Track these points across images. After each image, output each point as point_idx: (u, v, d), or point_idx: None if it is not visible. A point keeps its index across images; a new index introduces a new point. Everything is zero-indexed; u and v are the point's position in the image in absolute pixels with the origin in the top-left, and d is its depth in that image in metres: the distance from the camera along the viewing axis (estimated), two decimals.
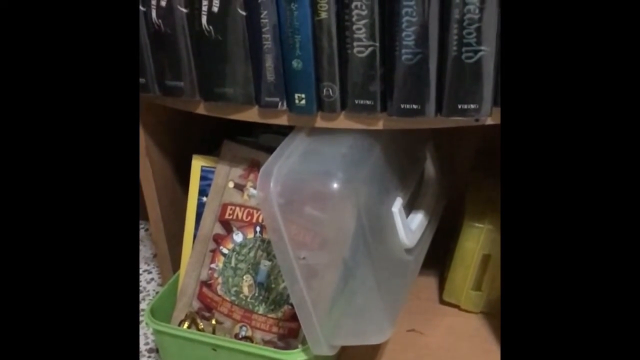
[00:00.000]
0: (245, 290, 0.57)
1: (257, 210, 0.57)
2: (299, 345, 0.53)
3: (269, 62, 0.46)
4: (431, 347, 0.61)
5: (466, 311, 0.65)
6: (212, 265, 0.58)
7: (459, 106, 0.43)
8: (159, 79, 0.50)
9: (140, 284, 0.78)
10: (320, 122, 0.47)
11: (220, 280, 0.58)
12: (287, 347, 0.55)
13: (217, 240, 0.58)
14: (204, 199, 0.59)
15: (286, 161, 0.46)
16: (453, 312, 0.66)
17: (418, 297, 0.67)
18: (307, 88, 0.45)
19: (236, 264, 0.57)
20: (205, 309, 0.59)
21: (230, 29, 0.45)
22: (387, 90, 0.44)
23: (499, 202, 0.63)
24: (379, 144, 0.49)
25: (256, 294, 0.57)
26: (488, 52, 0.41)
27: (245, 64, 0.46)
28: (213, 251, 0.58)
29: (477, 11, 0.40)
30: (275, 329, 0.56)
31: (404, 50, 0.42)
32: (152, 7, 0.46)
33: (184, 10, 0.46)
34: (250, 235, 0.57)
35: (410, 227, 0.54)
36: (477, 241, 0.61)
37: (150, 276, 0.79)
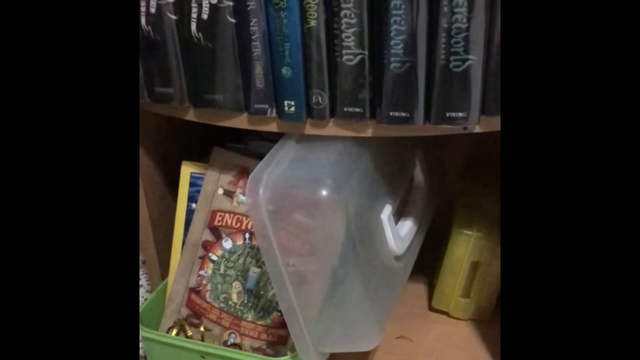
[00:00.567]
0: (234, 297, 0.57)
1: (247, 216, 0.57)
2: (288, 353, 0.53)
3: (258, 69, 0.46)
4: (420, 353, 0.61)
5: (455, 318, 0.65)
6: (201, 272, 0.58)
7: (447, 114, 0.44)
8: (148, 86, 0.50)
9: None
10: (309, 129, 0.48)
11: (209, 287, 0.58)
12: (276, 354, 0.55)
13: (206, 246, 0.58)
14: (193, 205, 0.59)
15: (275, 168, 0.46)
16: (442, 319, 0.66)
17: (407, 303, 0.67)
18: (296, 95, 0.46)
19: (225, 271, 0.57)
20: (194, 315, 0.58)
21: (220, 36, 0.45)
22: (376, 98, 0.45)
23: (488, 210, 0.63)
24: (368, 152, 0.50)
25: (245, 301, 0.57)
26: (476, 61, 0.42)
27: (234, 71, 0.46)
28: (202, 258, 0.58)
29: (464, 20, 0.40)
30: (264, 336, 0.56)
31: (392, 59, 0.42)
32: (142, 13, 0.46)
33: (174, 17, 0.46)
34: (240, 242, 0.57)
35: (399, 234, 0.54)
36: (466, 248, 0.61)
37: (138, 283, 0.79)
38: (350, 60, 0.44)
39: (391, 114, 0.44)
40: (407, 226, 0.57)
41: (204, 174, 0.58)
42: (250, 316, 0.57)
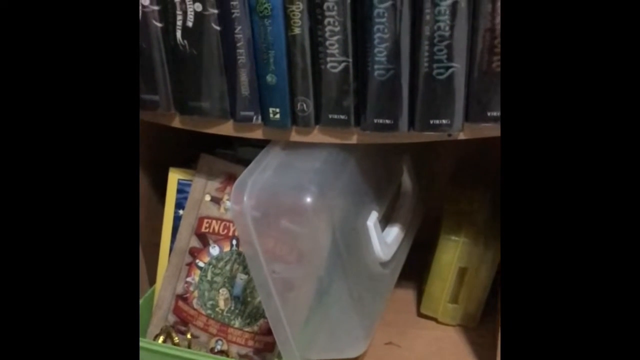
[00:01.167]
0: (221, 303, 0.57)
1: (234, 223, 0.57)
2: (275, 359, 0.53)
3: (243, 77, 0.46)
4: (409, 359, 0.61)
5: (444, 324, 0.65)
6: (188, 279, 0.58)
7: (431, 121, 0.44)
8: None
9: None
10: (295, 136, 0.48)
11: (196, 293, 0.58)
12: None
13: (194, 253, 0.58)
14: (181, 212, 0.59)
15: (260, 175, 0.47)
16: (431, 325, 0.66)
17: (396, 309, 0.67)
18: (281, 102, 0.46)
19: (212, 278, 0.57)
20: (181, 322, 0.58)
21: (205, 44, 0.45)
22: (360, 105, 0.45)
23: (476, 216, 0.63)
24: (353, 158, 0.50)
25: (232, 308, 0.57)
26: (459, 68, 0.42)
27: (220, 78, 0.46)
28: (189, 264, 0.58)
29: (447, 28, 0.40)
30: (251, 343, 0.56)
31: (376, 66, 0.43)
32: None
33: (159, 24, 0.46)
34: (227, 249, 0.57)
35: (385, 240, 0.54)
36: (454, 254, 0.61)
37: None
38: (335, 67, 0.44)
39: (375, 121, 0.45)
40: (394, 232, 0.57)
41: (191, 181, 0.58)
42: (237, 323, 0.57)
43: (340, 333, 0.49)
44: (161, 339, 0.58)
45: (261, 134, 0.49)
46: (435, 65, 0.42)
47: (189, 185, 0.58)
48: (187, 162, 0.61)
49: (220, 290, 0.57)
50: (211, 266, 0.57)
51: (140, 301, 0.60)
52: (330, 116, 0.46)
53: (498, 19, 0.40)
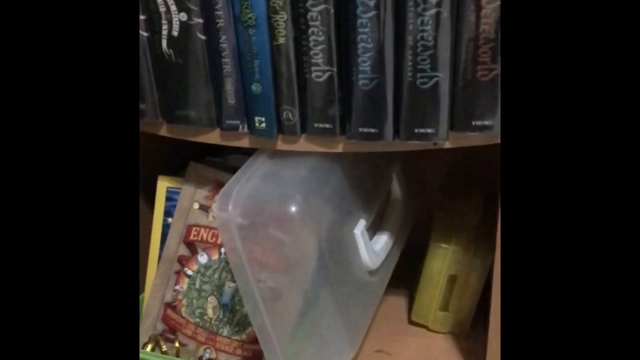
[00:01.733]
0: (210, 312, 0.57)
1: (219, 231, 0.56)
2: None
3: (229, 86, 0.46)
4: None
5: (434, 331, 0.65)
6: (177, 287, 0.58)
7: (416, 130, 0.44)
8: None
9: None
10: (281, 145, 0.48)
11: (184, 302, 0.58)
12: None
13: (182, 261, 0.58)
14: (170, 220, 0.59)
15: (246, 183, 0.47)
16: (421, 332, 0.65)
17: (386, 317, 0.67)
18: (266, 111, 0.46)
19: (201, 286, 0.57)
20: (170, 331, 0.58)
21: (190, 53, 0.45)
22: (345, 114, 0.45)
23: (466, 223, 0.63)
24: (340, 167, 0.50)
25: (220, 316, 0.57)
26: (443, 78, 0.42)
27: (205, 87, 0.46)
28: (177, 272, 0.58)
29: (430, 38, 0.41)
30: (239, 351, 0.56)
31: (360, 76, 0.43)
32: None
33: (145, 33, 0.46)
34: (215, 257, 0.57)
35: (374, 248, 0.54)
36: (443, 262, 0.61)
37: None
38: (319, 76, 0.44)
39: (361, 130, 0.45)
40: (383, 240, 0.57)
41: (180, 189, 0.58)
42: (225, 331, 0.57)
43: (326, 341, 0.48)
44: (149, 347, 0.58)
45: (247, 143, 0.49)
46: (419, 75, 0.42)
47: (178, 193, 0.58)
48: (178, 170, 0.61)
49: (209, 299, 0.57)
50: (199, 274, 0.57)
51: None
52: (315, 125, 0.46)
53: (482, 29, 0.41)
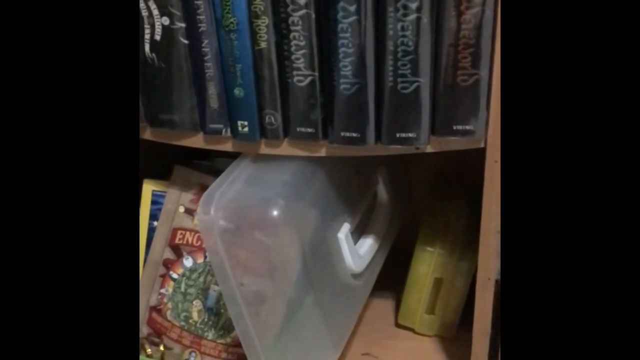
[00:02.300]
0: (195, 315, 0.57)
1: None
2: None
3: (211, 90, 0.46)
4: None
5: (421, 334, 0.65)
6: (162, 290, 0.58)
7: (398, 135, 0.44)
8: None
9: None
10: (264, 149, 0.48)
11: (169, 305, 0.58)
12: None
13: (167, 265, 0.58)
14: (155, 223, 0.59)
15: (229, 187, 0.47)
16: (408, 335, 0.66)
17: (373, 320, 0.67)
18: (249, 116, 0.46)
19: (186, 289, 0.57)
20: (155, 334, 0.58)
21: (173, 57, 0.45)
22: (327, 118, 0.45)
23: (452, 226, 0.63)
24: (323, 170, 0.50)
25: (206, 319, 0.57)
26: (423, 83, 0.42)
27: (188, 91, 0.47)
28: (163, 276, 0.58)
29: (410, 43, 0.41)
30: (224, 355, 0.56)
31: (342, 80, 0.43)
32: None
33: None
34: (200, 260, 0.57)
35: (358, 252, 0.54)
36: (429, 265, 0.61)
37: None
38: (301, 81, 0.44)
39: (342, 134, 0.45)
40: (368, 244, 0.57)
41: (165, 192, 0.58)
42: (210, 335, 0.57)
43: (309, 345, 0.49)
44: None
45: (231, 147, 0.49)
46: (400, 80, 0.42)
47: (164, 196, 0.58)
48: (165, 174, 0.61)
49: (194, 302, 0.57)
50: (185, 278, 0.57)
51: None
52: (298, 129, 0.46)
53: (462, 34, 0.41)
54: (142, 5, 0.44)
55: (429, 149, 0.45)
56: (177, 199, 0.58)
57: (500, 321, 0.58)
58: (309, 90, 0.44)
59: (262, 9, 0.42)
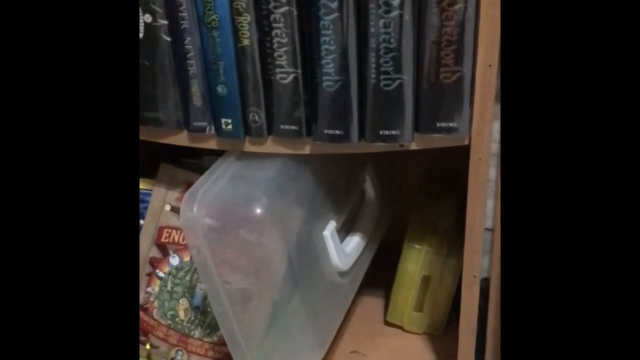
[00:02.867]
0: (181, 314, 0.57)
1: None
2: None
3: (195, 88, 0.46)
4: None
5: (409, 332, 0.65)
6: (148, 289, 0.58)
7: (381, 132, 0.44)
8: None
9: None
10: (248, 147, 0.48)
11: (156, 304, 0.57)
12: None
13: (154, 263, 0.58)
14: (141, 221, 0.58)
15: (213, 185, 0.46)
16: (396, 333, 0.66)
17: (362, 317, 0.67)
18: (233, 113, 0.46)
19: (172, 288, 0.57)
20: (141, 333, 0.58)
21: (156, 55, 0.45)
22: (311, 116, 0.45)
23: (440, 224, 0.63)
24: (308, 168, 0.50)
25: (192, 318, 0.57)
26: (406, 80, 0.42)
27: (172, 89, 0.46)
28: (149, 275, 0.58)
29: (392, 41, 0.41)
30: (211, 353, 0.56)
31: (324, 78, 0.43)
32: None
33: None
34: (187, 259, 0.57)
35: (344, 250, 0.54)
36: (417, 263, 0.61)
37: None
38: (284, 78, 0.44)
39: (326, 131, 0.45)
40: (355, 241, 0.57)
41: (151, 190, 0.58)
42: (197, 333, 0.56)
43: (294, 343, 0.48)
44: None
45: (215, 145, 0.48)
46: (382, 77, 0.42)
47: (149, 194, 0.58)
48: (153, 172, 0.61)
49: (180, 301, 0.57)
50: (171, 276, 0.57)
51: None
52: (282, 127, 0.46)
53: (444, 31, 0.41)
54: None
55: (413, 146, 0.45)
56: (163, 197, 0.57)
57: (487, 319, 0.58)
58: (292, 87, 0.44)
59: (244, 6, 0.42)
